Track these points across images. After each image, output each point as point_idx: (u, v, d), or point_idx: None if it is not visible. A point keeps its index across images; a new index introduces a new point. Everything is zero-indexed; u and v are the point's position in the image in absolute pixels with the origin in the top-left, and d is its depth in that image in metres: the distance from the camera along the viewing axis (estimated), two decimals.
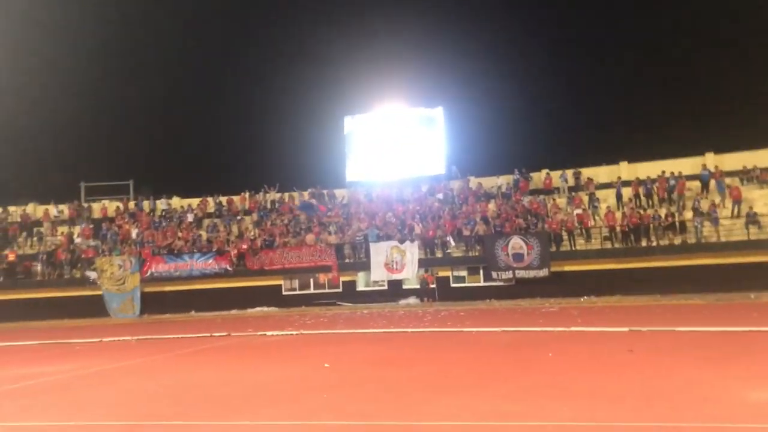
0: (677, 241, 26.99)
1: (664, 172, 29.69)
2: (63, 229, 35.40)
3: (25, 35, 44.11)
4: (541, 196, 31.44)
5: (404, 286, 29.33)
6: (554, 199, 30.90)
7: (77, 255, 32.45)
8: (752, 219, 26.08)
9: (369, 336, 16.20)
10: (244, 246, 30.82)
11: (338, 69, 55.74)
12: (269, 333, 17.46)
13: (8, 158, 44.15)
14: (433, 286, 27.98)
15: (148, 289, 31.07)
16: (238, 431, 6.61)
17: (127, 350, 15.45)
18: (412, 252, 28.91)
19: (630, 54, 53.56)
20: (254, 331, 18.57)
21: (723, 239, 26.52)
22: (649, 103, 49.90)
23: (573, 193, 31.10)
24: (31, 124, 46.76)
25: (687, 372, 8.80)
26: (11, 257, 32.66)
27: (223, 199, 35.94)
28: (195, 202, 36.25)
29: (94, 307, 30.43)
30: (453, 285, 29.07)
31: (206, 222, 34.76)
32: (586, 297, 25.57)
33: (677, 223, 27.28)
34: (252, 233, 32.37)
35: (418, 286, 29.06)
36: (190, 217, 34.79)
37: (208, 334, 17.98)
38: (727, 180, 29.02)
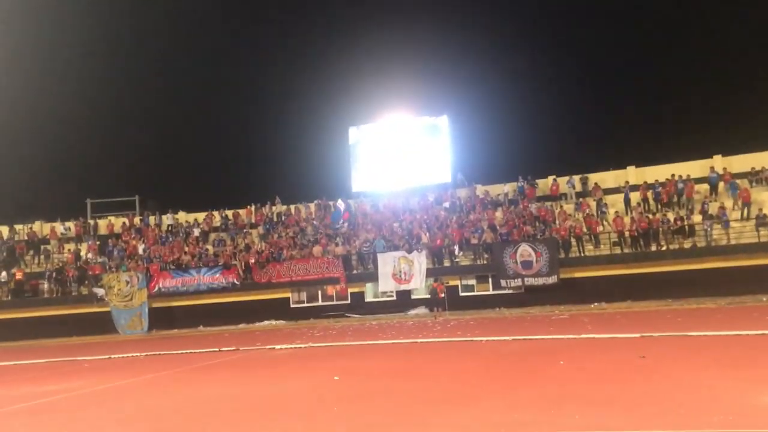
0: (687, 244, 26.81)
1: (673, 175, 29.54)
2: (70, 246, 35.48)
3: (31, 52, 44.44)
4: (549, 203, 31.32)
5: (413, 296, 29.23)
6: (562, 206, 30.79)
7: (84, 272, 32.48)
8: (762, 221, 25.91)
9: (379, 347, 16.09)
10: (251, 259, 30.79)
11: (342, 80, 56.01)
12: (278, 346, 17.36)
13: (14, 176, 44.41)
14: (443, 295, 27.85)
15: (155, 305, 31.07)
16: None
17: (136, 366, 15.39)
18: (420, 262, 28.81)
19: (635, 58, 53.57)
20: (263, 344, 18.48)
21: (733, 242, 26.34)
22: (655, 107, 49.85)
23: (581, 199, 30.98)
24: (37, 142, 47.01)
25: (700, 377, 8.67)
26: (19, 275, 32.72)
27: (229, 213, 35.97)
28: (201, 216, 36.31)
29: (103, 324, 30.44)
30: (462, 294, 28.95)
31: (212, 236, 34.78)
32: (596, 303, 25.40)
33: (686, 227, 27.09)
34: (259, 246, 32.34)
35: (427, 296, 28.93)
36: (196, 232, 34.83)
37: (217, 349, 17.92)
38: (737, 181, 28.87)
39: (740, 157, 30.12)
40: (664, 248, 27.11)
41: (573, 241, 28.20)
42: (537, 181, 32.91)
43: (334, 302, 30.25)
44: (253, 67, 62.17)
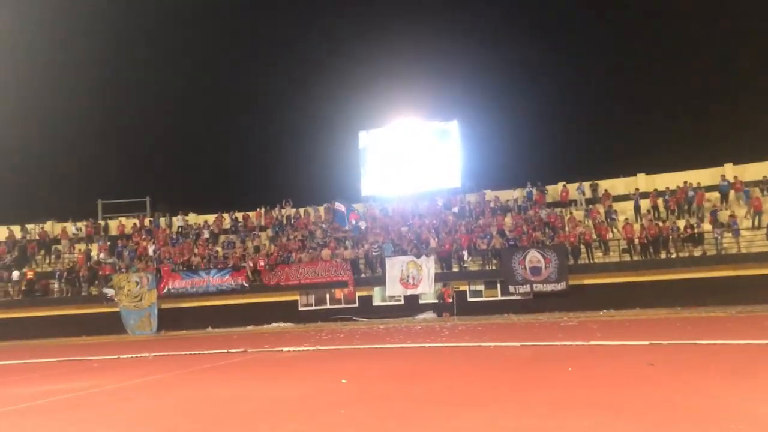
0: (697, 252, 26.69)
1: (686, 183, 29.42)
2: (81, 246, 35.68)
3: (45, 53, 44.77)
4: (558, 209, 31.27)
5: (421, 301, 29.22)
6: (571, 212, 30.72)
7: (95, 272, 32.65)
8: None
9: (386, 351, 16.09)
10: (261, 262, 30.86)
11: (353, 84, 56.14)
12: (286, 349, 17.40)
13: (26, 176, 44.75)
14: (451, 300, 27.80)
15: (165, 306, 31.20)
16: None
17: (145, 367, 15.45)
18: (429, 266, 28.80)
19: (647, 65, 53.41)
20: (271, 346, 18.52)
21: (744, 250, 26.20)
22: (666, 114, 49.67)
23: (590, 206, 30.90)
24: (49, 143, 47.34)
25: (709, 386, 8.63)
26: (30, 275, 32.93)
27: (239, 215, 36.09)
28: (211, 218, 36.43)
29: (112, 324, 30.58)
30: (470, 299, 28.90)
31: (222, 238, 34.89)
32: (605, 310, 25.32)
33: (696, 235, 26.98)
34: (268, 249, 32.43)
35: (435, 301, 28.91)
36: (206, 234, 34.95)
37: (225, 351, 17.97)
38: (743, 192, 28.74)
39: (752, 165, 29.98)
40: (673, 256, 27.00)
41: (582, 247, 28.12)
42: (547, 187, 32.87)
43: (342, 306, 30.28)
44: (265, 70, 62.45)
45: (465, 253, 29.26)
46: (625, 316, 23.39)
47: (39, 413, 9.37)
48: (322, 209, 35.60)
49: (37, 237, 36.33)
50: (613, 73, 55.00)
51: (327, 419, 7.61)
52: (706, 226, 27.48)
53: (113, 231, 37.15)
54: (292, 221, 35.12)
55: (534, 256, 27.60)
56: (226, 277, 30.88)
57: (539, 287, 27.44)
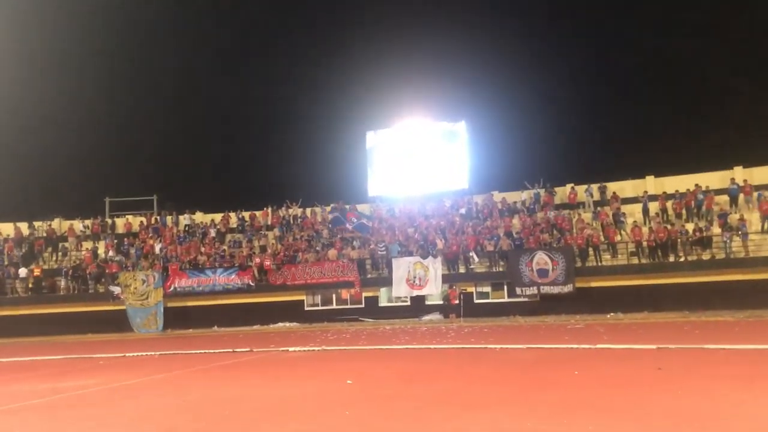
0: (706, 256, 26.52)
1: (698, 185, 29.22)
2: (88, 244, 35.78)
3: (52, 51, 44.94)
4: (566, 211, 31.16)
5: (427, 302, 29.17)
6: (579, 214, 30.61)
7: (102, 270, 32.74)
8: None
9: (392, 352, 16.05)
10: (267, 261, 30.87)
11: (361, 84, 56.03)
12: (291, 349, 17.38)
13: (34, 173, 44.92)
14: (457, 301, 27.72)
15: (171, 304, 31.26)
16: None
17: (150, 365, 15.46)
18: (435, 268, 28.75)
19: (656, 67, 53.17)
20: (276, 346, 18.50)
21: (753, 254, 26.02)
22: (676, 116, 49.42)
23: (599, 208, 30.77)
24: (57, 140, 47.51)
25: (717, 391, 8.53)
26: (37, 272, 33.05)
27: (246, 215, 36.11)
28: (218, 217, 36.46)
29: (118, 322, 30.67)
30: (477, 301, 28.84)
31: (229, 237, 34.92)
32: (612, 313, 25.20)
33: (705, 238, 26.81)
34: (274, 248, 32.43)
35: (441, 302, 28.85)
36: (212, 233, 34.98)
37: (231, 350, 17.96)
38: (756, 194, 28.54)
39: (762, 168, 29.76)
40: (682, 259, 26.85)
41: (590, 250, 28.00)
42: (555, 189, 32.75)
43: (349, 306, 30.26)
44: (272, 69, 62.50)
45: (472, 254, 29.19)
46: (632, 320, 23.27)
47: (44, 411, 9.37)
48: (329, 209, 35.60)
49: (45, 234, 36.46)
50: (623, 74, 54.80)
51: (331, 420, 7.56)
52: (715, 230, 27.31)
53: (120, 229, 37.25)
54: (299, 221, 35.12)
55: (541, 258, 27.51)
56: (233, 276, 30.91)
57: (546, 289, 27.34)
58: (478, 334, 19.52)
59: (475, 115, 46.79)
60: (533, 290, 27.58)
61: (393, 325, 26.05)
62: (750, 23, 45.33)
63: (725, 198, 29.23)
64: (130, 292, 31.23)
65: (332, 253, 30.80)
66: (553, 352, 14.17)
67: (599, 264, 27.91)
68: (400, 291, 29.33)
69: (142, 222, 37.07)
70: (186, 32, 55.69)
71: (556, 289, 27.24)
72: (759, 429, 6.27)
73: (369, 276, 30.28)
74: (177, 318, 30.99)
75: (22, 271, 33.26)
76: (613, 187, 31.88)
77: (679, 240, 27.01)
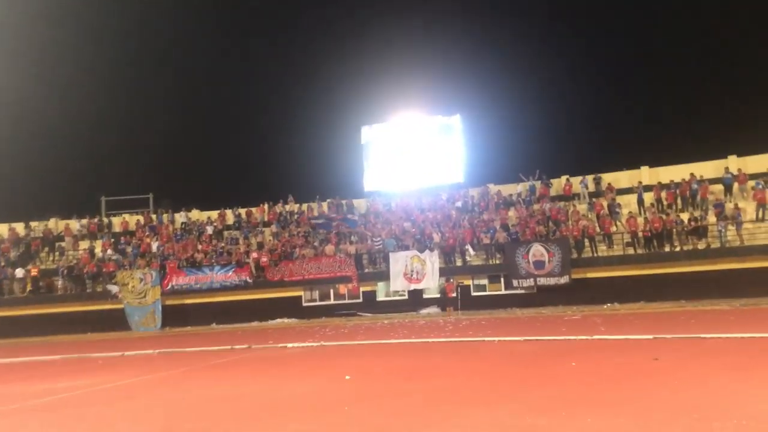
0: (701, 245, 26.62)
1: (692, 175, 29.29)
2: (84, 244, 35.74)
3: (45, 51, 44.75)
4: (562, 203, 31.22)
5: (425, 296, 29.24)
6: (575, 205, 30.67)
7: (99, 269, 32.73)
8: None
9: (390, 347, 16.09)
10: (264, 258, 30.88)
11: (355, 79, 56.01)
12: (290, 345, 17.40)
13: (30, 173, 44.79)
14: (454, 295, 27.80)
15: (169, 302, 31.28)
16: None
17: (149, 364, 15.48)
18: (433, 261, 28.82)
19: (649, 58, 53.19)
20: (275, 343, 18.53)
21: (747, 243, 26.12)
22: (669, 107, 49.49)
23: (594, 199, 30.84)
24: (52, 140, 47.38)
25: (714, 380, 8.59)
26: (34, 272, 33.01)
27: (242, 211, 36.11)
28: (214, 214, 36.43)
29: (116, 321, 30.69)
30: (474, 294, 28.91)
31: (226, 234, 34.92)
32: (609, 304, 25.30)
33: (700, 228, 26.89)
34: (271, 245, 32.44)
35: (438, 296, 28.93)
36: (209, 230, 34.97)
37: (230, 347, 17.97)
38: (751, 183, 28.61)
39: (756, 157, 29.85)
40: (677, 249, 26.94)
41: (586, 241, 28.07)
42: (551, 180, 32.80)
43: (346, 301, 30.33)
44: (267, 66, 62.36)
45: (468, 247, 29.25)
46: (629, 310, 23.36)
47: (43, 411, 9.38)
48: (325, 205, 35.60)
49: (41, 234, 36.40)
50: (616, 66, 54.85)
51: (330, 417, 7.60)
52: (711, 219, 27.39)
53: (117, 228, 37.20)
54: (296, 217, 35.12)
55: (537, 250, 27.58)
56: (230, 273, 30.93)
57: (543, 281, 27.43)
58: (475, 327, 19.58)
59: (470, 109, 46.96)
60: (530, 282, 27.66)
61: (391, 320, 26.10)
62: (745, 13, 45.36)
63: (720, 187, 29.31)
64: (127, 291, 31.22)
65: (329, 248, 30.83)
66: (550, 344, 14.22)
67: (595, 255, 28.00)
68: (397, 285, 29.40)
69: (138, 220, 37.03)
70: (181, 30, 55.52)
71: (552, 281, 27.33)
72: (757, 419, 6.32)
73: (366, 271, 30.32)
74: (175, 316, 31.01)
75: (19, 272, 33.22)
76: (608, 177, 31.96)
77: (674, 230, 27.09)
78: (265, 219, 35.68)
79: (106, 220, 37.75)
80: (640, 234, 27.53)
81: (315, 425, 7.28)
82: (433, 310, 28.38)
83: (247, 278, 30.78)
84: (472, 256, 29.47)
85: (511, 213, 31.45)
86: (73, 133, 48.62)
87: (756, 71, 45.02)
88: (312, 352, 15.86)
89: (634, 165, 32.37)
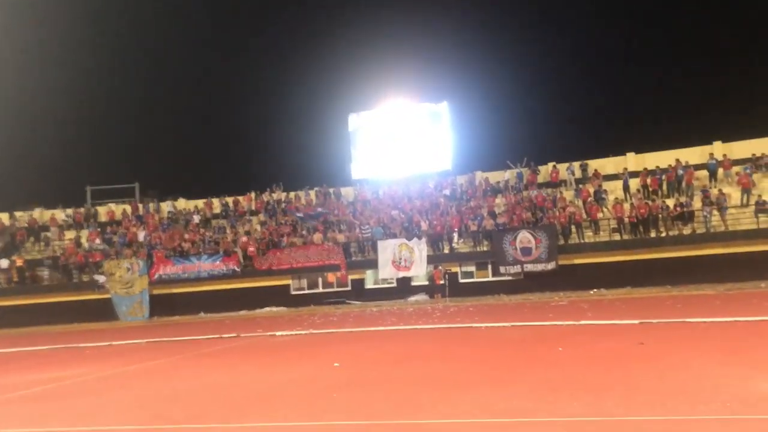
0: (686, 231, 26.82)
1: (678, 160, 29.42)
2: (70, 234, 35.50)
3: (29, 40, 44.21)
4: (549, 189, 31.31)
5: (413, 283, 29.30)
6: (561, 192, 30.76)
7: (86, 259, 32.53)
8: (761, 207, 25.89)
9: (379, 334, 16.16)
10: (252, 247, 30.80)
11: (342, 66, 55.84)
12: (278, 333, 17.43)
13: (14, 163, 44.33)
14: (442, 282, 27.89)
15: (156, 292, 31.15)
16: None
17: (137, 353, 15.46)
18: (421, 249, 28.85)
19: (635, 45, 53.33)
20: (263, 331, 18.55)
21: (732, 228, 26.33)
22: (655, 93, 49.70)
23: (580, 186, 30.95)
24: (36, 129, 46.93)
25: (699, 363, 8.71)
26: (19, 262, 32.78)
27: (229, 200, 35.93)
28: (201, 203, 36.26)
29: (104, 311, 30.52)
30: (462, 281, 28.99)
31: (213, 223, 34.78)
32: (595, 290, 25.46)
33: (686, 213, 27.07)
34: (259, 233, 32.36)
35: (426, 283, 29.00)
36: (196, 219, 34.82)
37: (218, 336, 17.97)
38: (736, 168, 28.82)
39: (740, 143, 30.04)
40: (663, 235, 27.11)
41: (573, 227, 28.20)
42: (538, 167, 32.87)
43: (335, 289, 30.30)
44: (253, 53, 61.96)
45: (456, 234, 29.32)
46: (615, 295, 23.55)
47: (32, 401, 9.37)
48: (313, 193, 35.52)
49: (26, 224, 36.11)
50: (603, 54, 54.94)
51: (320, 404, 7.64)
52: (696, 205, 27.57)
53: (103, 217, 36.95)
54: (283, 205, 35.02)
55: (525, 237, 27.68)
56: (218, 262, 30.84)
57: (530, 267, 27.54)
58: (463, 314, 19.68)
59: (457, 96, 46.99)
60: (517, 269, 27.77)
61: (380, 307, 26.18)
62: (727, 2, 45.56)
63: (706, 173, 29.49)
64: (114, 281, 31.06)
65: (317, 236, 30.79)
66: (537, 329, 14.34)
67: (582, 241, 28.14)
68: (386, 273, 29.43)
69: (124, 210, 36.79)
70: (165, 18, 55.00)
71: (539, 267, 27.45)
72: (742, 400, 6.42)
73: (354, 259, 30.33)
74: (163, 305, 30.90)
75: (4, 262, 32.95)
76: (594, 164, 32.06)
77: (660, 215, 27.26)
78: (253, 208, 35.54)
79: (92, 209, 37.45)
80: (627, 220, 27.65)
81: (304, 412, 7.32)
82: (422, 297, 28.45)
83: (235, 267, 30.69)
84: (459, 244, 29.55)
85: (499, 200, 31.52)
86: (57, 122, 48.22)
87: (742, 58, 45.28)
88: (301, 340, 15.90)
89: (620, 151, 32.48)
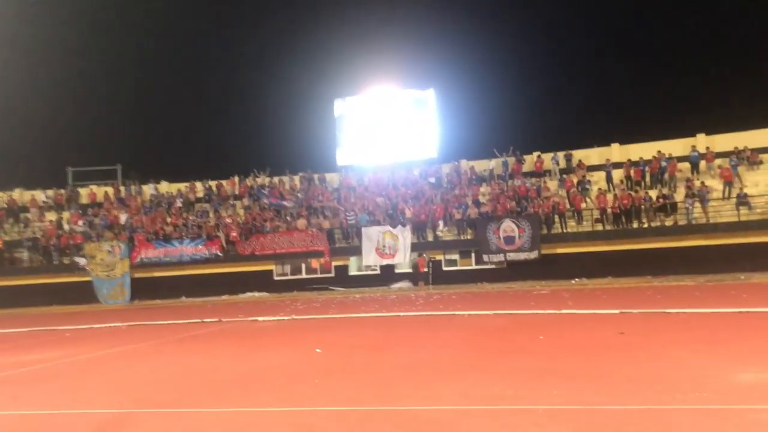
0: (668, 222, 27.04)
1: (660, 152, 29.58)
2: (51, 215, 35.13)
3: (8, 23, 43.46)
4: (533, 179, 31.40)
5: (396, 270, 29.35)
6: (546, 182, 30.85)
7: (66, 241, 32.23)
8: (743, 200, 26.14)
9: (361, 321, 16.16)
10: (234, 231, 30.66)
11: (328, 51, 55.47)
12: (261, 318, 17.39)
13: None
14: (425, 269, 27.94)
15: (138, 275, 30.97)
16: (230, 417, 6.54)
17: (118, 337, 15.35)
18: (405, 236, 28.88)
19: (620, 37, 53.46)
20: (245, 316, 18.50)
21: (713, 221, 26.58)
22: (640, 85, 49.92)
23: (564, 176, 31.07)
24: (16, 109, 46.20)
25: (678, 354, 8.80)
26: None
27: (213, 184, 35.69)
28: (184, 186, 35.99)
29: (84, 294, 30.32)
30: (445, 269, 29.08)
31: (196, 207, 34.57)
32: (577, 279, 25.65)
33: (668, 205, 27.28)
34: (242, 218, 32.20)
35: (410, 270, 29.06)
36: (179, 202, 34.58)
37: (199, 320, 17.92)
38: (718, 161, 29.05)
39: (723, 136, 30.26)
40: (645, 226, 27.32)
41: (556, 217, 28.33)
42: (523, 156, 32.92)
43: (318, 275, 30.29)
44: (238, 37, 61.35)
45: (440, 222, 29.36)
46: (596, 285, 23.74)
47: (12, 384, 9.28)
48: (297, 178, 35.38)
49: (5, 205, 35.68)
50: (589, 44, 55.06)
51: (301, 389, 7.63)
52: (679, 196, 27.78)
53: (84, 199, 36.59)
54: (267, 190, 34.85)
55: (508, 226, 27.79)
56: (200, 246, 30.69)
57: (513, 256, 27.68)
58: (446, 302, 19.75)
59: (444, 83, 46.79)
60: (500, 257, 27.90)
61: (363, 294, 26.21)
62: None
63: (688, 165, 29.69)
64: (95, 263, 30.82)
65: (301, 222, 30.70)
66: (519, 318, 14.42)
67: (564, 231, 28.29)
68: (370, 260, 29.44)
69: (106, 192, 36.45)
70: (153, 4, 54.31)
71: (522, 256, 27.59)
72: (719, 391, 6.48)
73: (338, 245, 30.30)
74: (144, 289, 30.73)
75: None
76: (578, 154, 32.18)
77: (642, 207, 27.44)
78: (236, 192, 35.34)
79: (73, 191, 37.02)
80: (609, 210, 27.83)
81: (286, 397, 7.31)
82: (405, 284, 28.52)
83: (218, 251, 30.56)
84: (443, 232, 29.60)
85: (483, 189, 31.57)
86: (38, 101, 47.52)
87: (726, 51, 45.56)
88: (283, 326, 15.88)
89: (604, 142, 32.61)
